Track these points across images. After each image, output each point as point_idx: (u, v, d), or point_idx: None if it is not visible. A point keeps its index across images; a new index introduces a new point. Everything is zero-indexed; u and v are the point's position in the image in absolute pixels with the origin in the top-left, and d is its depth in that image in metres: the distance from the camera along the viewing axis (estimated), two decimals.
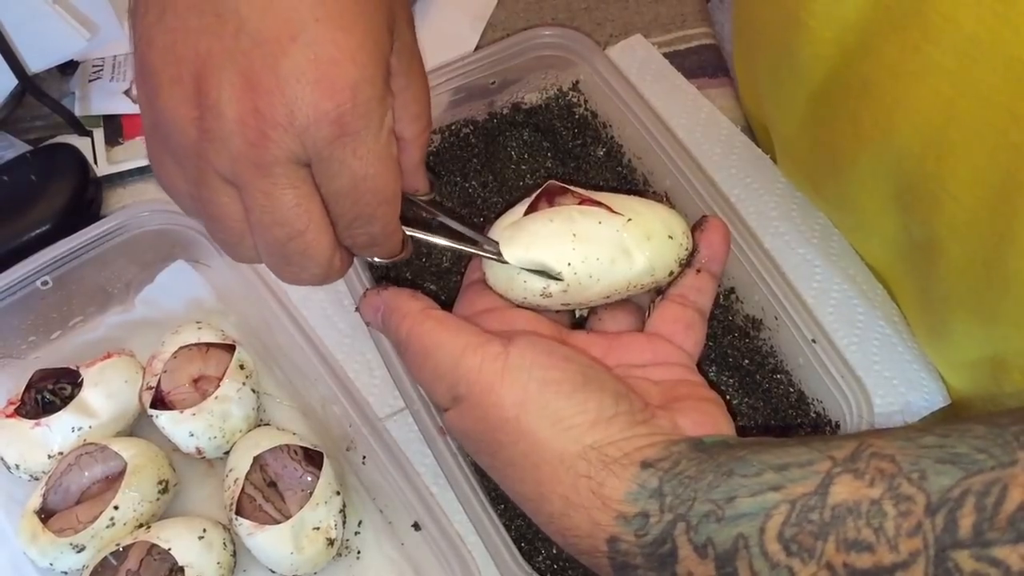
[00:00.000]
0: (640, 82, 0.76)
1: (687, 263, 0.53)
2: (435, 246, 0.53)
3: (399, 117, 0.44)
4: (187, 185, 0.43)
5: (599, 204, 0.53)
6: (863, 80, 0.53)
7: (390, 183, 0.42)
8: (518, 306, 0.53)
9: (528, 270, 0.51)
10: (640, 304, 0.56)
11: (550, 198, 0.55)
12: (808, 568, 0.36)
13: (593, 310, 0.56)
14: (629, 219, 0.52)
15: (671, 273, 0.53)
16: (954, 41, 0.45)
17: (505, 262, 0.52)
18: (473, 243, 0.53)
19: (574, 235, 0.51)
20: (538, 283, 0.51)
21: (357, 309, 0.54)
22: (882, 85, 0.52)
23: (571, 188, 0.54)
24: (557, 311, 0.54)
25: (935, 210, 0.52)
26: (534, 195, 0.54)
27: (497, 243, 0.52)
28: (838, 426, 0.58)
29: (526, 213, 0.53)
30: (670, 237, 0.52)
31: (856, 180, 0.60)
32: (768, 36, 0.63)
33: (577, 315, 0.57)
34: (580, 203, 0.53)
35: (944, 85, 0.47)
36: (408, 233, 0.48)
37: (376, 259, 0.47)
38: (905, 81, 0.50)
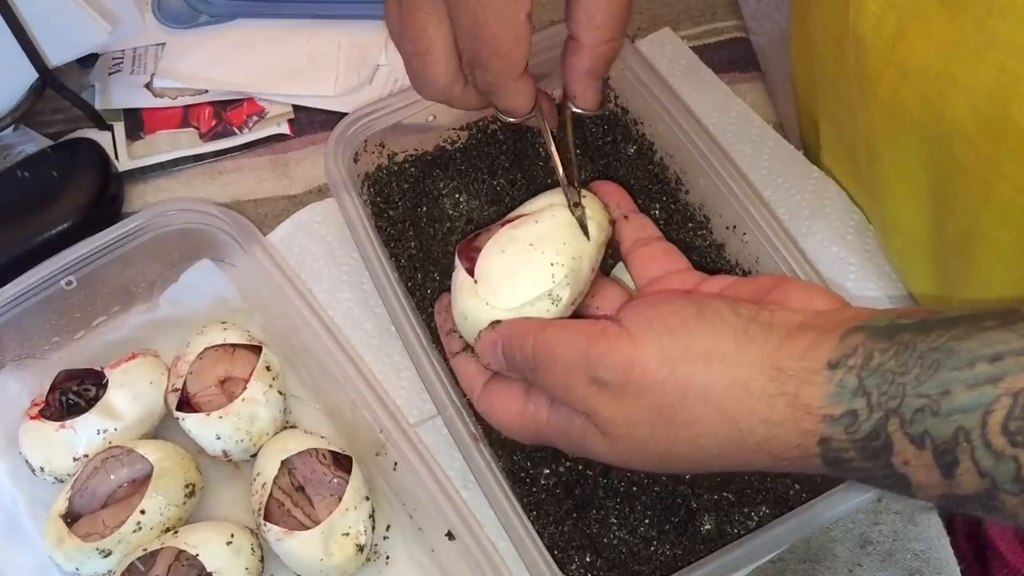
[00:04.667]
0: (669, 78, 0.75)
1: (612, 222, 0.57)
2: (545, 143, 0.54)
3: (579, 19, 0.48)
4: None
5: (508, 221, 0.54)
6: (913, 60, 0.52)
7: (504, 39, 0.45)
8: None
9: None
10: (617, 281, 0.57)
11: (469, 251, 0.55)
12: None
13: (585, 304, 0.56)
14: (551, 204, 0.54)
15: (612, 223, 0.57)
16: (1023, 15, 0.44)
17: (581, 206, 0.54)
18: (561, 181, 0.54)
19: (531, 244, 0.52)
20: (543, 301, 0.51)
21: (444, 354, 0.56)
22: (935, 66, 0.50)
23: (469, 237, 0.55)
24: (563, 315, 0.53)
25: (984, 196, 0.51)
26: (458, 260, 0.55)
27: (579, 194, 0.54)
28: None
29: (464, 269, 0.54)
30: (585, 196, 0.55)
31: (893, 169, 0.59)
32: (826, 18, 0.62)
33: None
34: (502, 226, 0.54)
35: (1012, 60, 0.46)
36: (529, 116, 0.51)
37: (499, 111, 0.50)
38: (963, 59, 0.48)
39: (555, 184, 0.55)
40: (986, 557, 0.66)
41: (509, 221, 0.55)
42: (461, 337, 0.55)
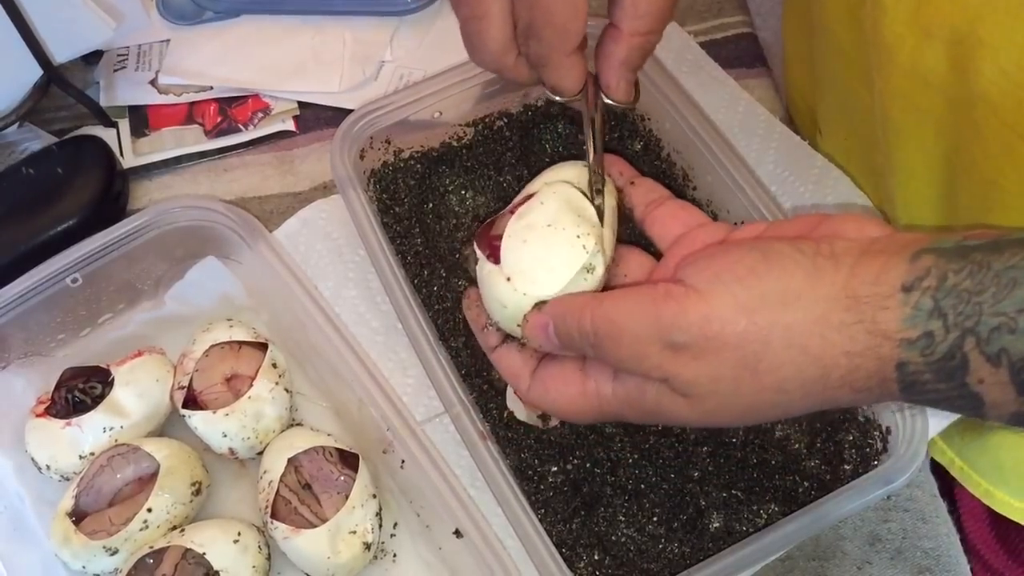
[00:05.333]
0: (676, 73, 0.74)
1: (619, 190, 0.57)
2: (585, 127, 0.53)
3: (623, 6, 0.47)
4: None
5: (517, 207, 0.54)
6: (939, 21, 0.51)
7: (561, 10, 0.45)
8: None
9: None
10: (637, 247, 0.56)
11: (490, 239, 0.54)
12: None
13: (611, 273, 0.54)
14: (546, 183, 0.54)
15: (620, 191, 0.56)
16: None
17: (602, 195, 0.53)
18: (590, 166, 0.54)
19: (549, 226, 0.51)
20: (580, 274, 0.50)
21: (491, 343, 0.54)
22: (962, 27, 0.50)
23: (483, 226, 0.55)
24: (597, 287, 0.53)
25: (1005, 161, 0.51)
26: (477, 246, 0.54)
27: (603, 182, 0.53)
28: (889, 431, 0.57)
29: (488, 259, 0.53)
30: (587, 165, 0.54)
31: (909, 139, 0.58)
32: None
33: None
34: (511, 213, 0.54)
35: None
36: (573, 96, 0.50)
37: (547, 88, 0.50)
38: (993, 20, 0.47)
39: (480, 235, 0.55)
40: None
41: (513, 209, 0.54)
42: (498, 330, 0.53)
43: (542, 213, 0.52)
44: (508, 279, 0.51)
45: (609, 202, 0.54)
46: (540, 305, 0.50)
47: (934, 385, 0.40)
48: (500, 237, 0.52)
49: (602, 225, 0.53)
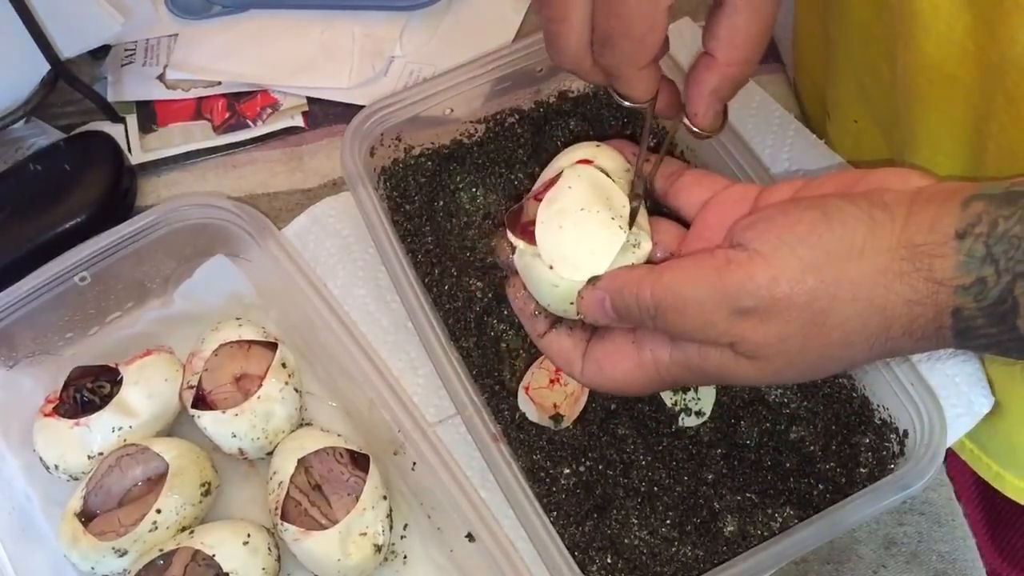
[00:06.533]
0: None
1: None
2: (642, 131, 0.53)
3: (721, 36, 0.47)
4: None
5: (540, 193, 0.52)
6: None
7: (639, 22, 0.45)
8: None
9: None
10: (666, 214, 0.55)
11: (524, 226, 0.52)
12: None
13: (655, 252, 0.52)
14: (563, 168, 0.52)
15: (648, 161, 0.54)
16: None
17: (641, 199, 0.52)
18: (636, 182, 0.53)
19: (582, 209, 0.50)
20: (628, 252, 0.49)
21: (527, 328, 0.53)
22: None
23: (511, 214, 0.53)
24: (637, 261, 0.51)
25: None
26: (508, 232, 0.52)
27: (645, 190, 0.53)
28: (906, 434, 0.56)
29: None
30: (599, 146, 0.54)
31: (935, 110, 0.58)
32: None
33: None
34: (535, 199, 0.52)
35: None
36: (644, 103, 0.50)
37: (617, 94, 0.49)
38: None
39: (511, 220, 0.53)
40: None
41: (537, 196, 0.53)
42: (546, 317, 0.52)
43: (572, 197, 0.51)
44: (551, 267, 0.50)
45: (636, 190, 0.53)
46: (594, 280, 0.49)
47: (986, 330, 0.41)
48: (533, 223, 0.51)
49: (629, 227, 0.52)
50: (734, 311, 0.43)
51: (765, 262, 0.43)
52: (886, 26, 0.60)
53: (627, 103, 0.50)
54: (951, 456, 0.66)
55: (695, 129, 0.51)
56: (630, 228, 0.50)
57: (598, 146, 0.54)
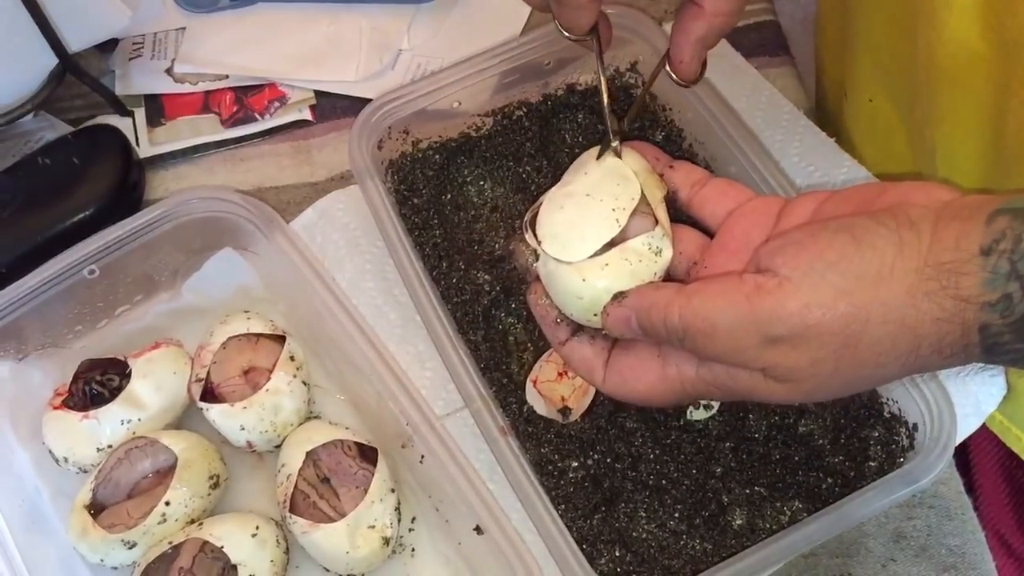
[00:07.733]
0: None
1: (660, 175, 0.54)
2: (596, 68, 0.53)
3: None
4: None
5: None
6: None
7: None
8: None
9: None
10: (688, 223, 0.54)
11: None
12: None
13: (677, 261, 0.52)
14: (584, 166, 0.52)
15: (660, 176, 0.54)
16: None
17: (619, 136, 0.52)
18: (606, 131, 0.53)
19: (588, 195, 0.50)
20: (649, 256, 0.49)
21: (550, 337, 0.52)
22: None
23: (531, 217, 0.52)
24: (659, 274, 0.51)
25: None
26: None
27: (619, 145, 0.52)
28: (916, 428, 0.56)
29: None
30: (627, 152, 0.53)
31: (957, 87, 0.58)
32: None
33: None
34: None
35: None
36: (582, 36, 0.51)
37: (558, 23, 0.50)
38: None
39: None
40: None
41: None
42: (568, 325, 0.52)
43: (584, 183, 0.51)
44: (540, 241, 0.50)
45: (659, 194, 0.53)
46: (620, 296, 0.48)
47: (1013, 345, 0.41)
48: None
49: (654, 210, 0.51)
50: (765, 338, 0.43)
51: (796, 289, 0.43)
52: (908, 1, 0.60)
53: (568, 35, 0.50)
54: (975, 436, 0.65)
55: (676, 78, 0.51)
56: (641, 207, 0.50)
57: (628, 151, 0.53)
